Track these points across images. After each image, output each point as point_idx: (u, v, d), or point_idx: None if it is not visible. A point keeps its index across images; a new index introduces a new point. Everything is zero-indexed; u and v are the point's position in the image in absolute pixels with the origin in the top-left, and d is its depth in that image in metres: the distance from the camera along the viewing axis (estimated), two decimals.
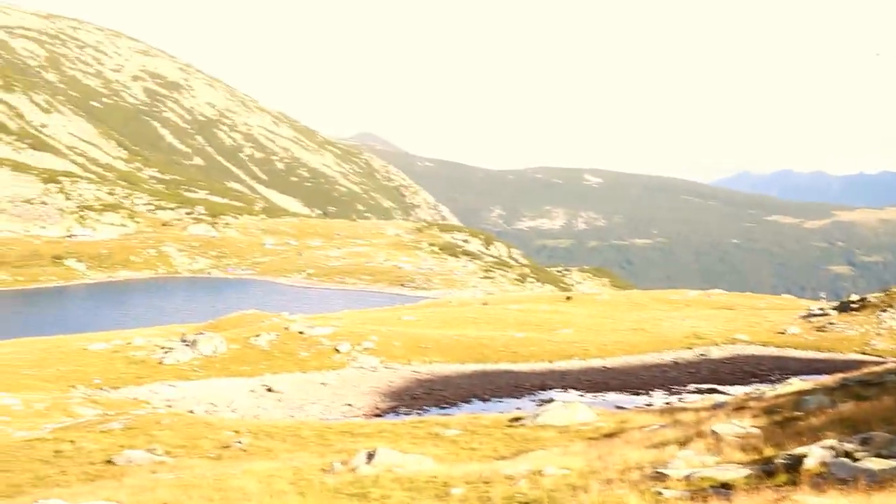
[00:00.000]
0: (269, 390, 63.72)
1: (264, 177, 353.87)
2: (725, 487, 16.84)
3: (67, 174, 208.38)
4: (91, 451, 33.11)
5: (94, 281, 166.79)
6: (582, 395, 61.26)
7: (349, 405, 60.25)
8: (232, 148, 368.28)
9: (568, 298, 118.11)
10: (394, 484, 20.47)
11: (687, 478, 17.87)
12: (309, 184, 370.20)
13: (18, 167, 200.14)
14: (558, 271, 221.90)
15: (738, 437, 22.62)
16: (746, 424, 24.52)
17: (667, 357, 77.68)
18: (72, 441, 34.75)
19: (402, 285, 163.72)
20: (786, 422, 25.82)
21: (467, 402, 61.16)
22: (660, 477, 18.40)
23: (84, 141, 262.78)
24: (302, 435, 37.52)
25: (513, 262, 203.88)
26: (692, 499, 16.51)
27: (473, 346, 75.09)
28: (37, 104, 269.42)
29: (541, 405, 48.26)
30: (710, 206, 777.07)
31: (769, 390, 37.87)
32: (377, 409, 59.70)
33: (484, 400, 61.61)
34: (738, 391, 55.14)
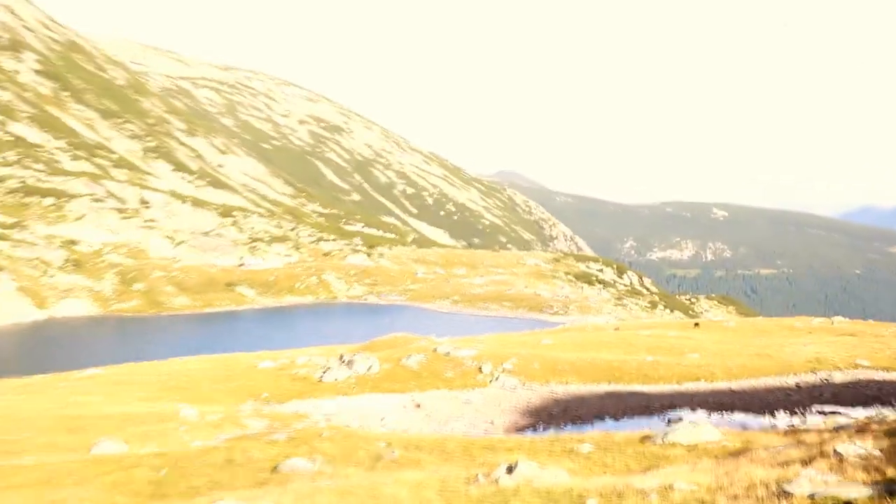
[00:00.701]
0: (418, 406, 63.90)
1: (415, 210, 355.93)
2: None
3: (240, 209, 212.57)
4: (259, 459, 34.02)
5: (262, 306, 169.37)
6: (708, 416, 60.51)
7: (490, 422, 60.09)
8: (386, 185, 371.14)
9: (696, 325, 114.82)
10: (532, 495, 20.86)
11: (811, 496, 17.87)
12: (455, 217, 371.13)
13: (198, 203, 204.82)
14: (687, 299, 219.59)
15: (861, 458, 22.29)
16: (868, 446, 23.92)
17: (790, 381, 74.91)
18: (242, 450, 35.73)
19: (540, 311, 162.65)
20: None
21: (600, 420, 60.52)
22: (784, 494, 18.45)
23: (255, 179, 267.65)
24: (447, 448, 37.68)
25: (644, 291, 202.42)
26: None
27: (606, 368, 74.17)
28: (215, 146, 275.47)
29: (669, 424, 47.82)
30: (834, 238, 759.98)
31: (891, 414, 37.17)
32: (516, 425, 59.48)
33: (616, 419, 60.99)
34: (860, 414, 52.42)
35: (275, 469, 31.85)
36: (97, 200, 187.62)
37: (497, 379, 71.37)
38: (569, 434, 44.63)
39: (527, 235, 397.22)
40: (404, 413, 62.36)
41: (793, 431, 39.18)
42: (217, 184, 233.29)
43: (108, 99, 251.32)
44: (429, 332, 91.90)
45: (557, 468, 24.73)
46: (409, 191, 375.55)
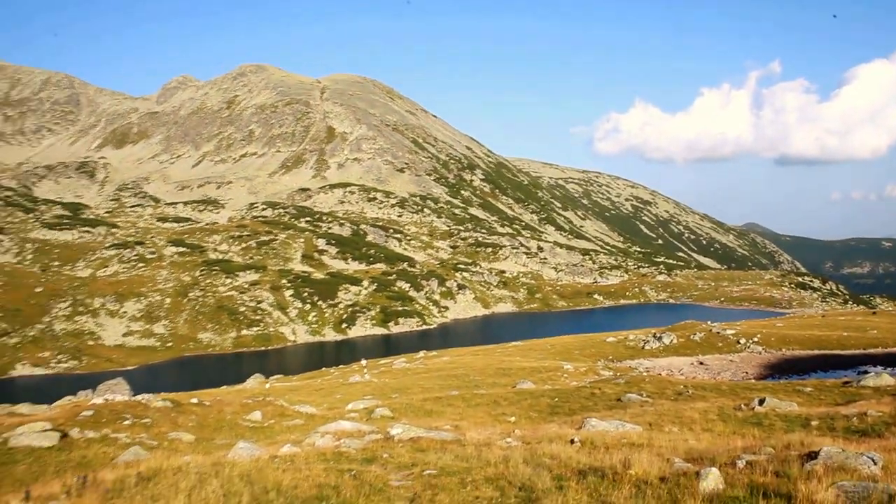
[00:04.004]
0: (700, 363, 61.85)
1: (695, 248, 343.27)
2: None
3: (593, 250, 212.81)
4: (608, 393, 33.39)
5: (607, 306, 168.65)
6: (885, 369, 56.52)
7: (746, 373, 57.81)
8: (677, 233, 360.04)
9: (874, 313, 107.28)
10: (776, 416, 20.45)
11: None
12: (720, 252, 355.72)
13: (569, 248, 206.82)
14: (867, 297, 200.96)
15: None
16: None
17: None
18: (599, 388, 35.15)
19: (774, 306, 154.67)
20: None
21: (814, 372, 56.23)
22: None
23: (601, 233, 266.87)
24: (721, 389, 35.60)
25: (838, 293, 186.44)
26: None
27: (817, 340, 69.55)
28: (577, 215, 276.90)
29: (860, 374, 45.18)
30: None
31: None
32: (761, 375, 56.94)
33: (825, 371, 56.47)
34: None
35: (618, 399, 31.46)
36: (514, 248, 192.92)
37: (748, 347, 68.36)
38: (795, 381, 41.58)
39: (764, 261, 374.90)
40: (692, 368, 60.73)
41: None
42: (579, 236, 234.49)
43: (519, 192, 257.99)
44: (706, 319, 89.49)
45: (790, 401, 23.71)
46: (691, 237, 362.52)
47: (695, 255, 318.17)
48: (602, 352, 68.17)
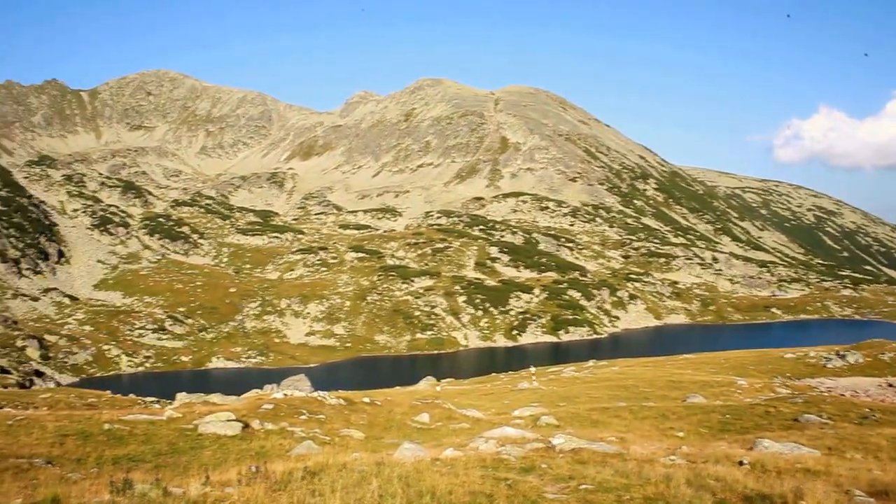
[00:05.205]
0: (890, 385, 53.92)
1: (885, 261, 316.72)
2: None
3: (771, 262, 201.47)
4: (785, 412, 31.20)
5: (784, 320, 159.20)
6: None
7: None
8: (865, 245, 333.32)
9: None
10: None
11: None
12: None
13: (746, 259, 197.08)
14: None
15: None
16: None
17: None
18: (774, 406, 32.56)
19: None
20: None
21: None
22: None
23: (780, 244, 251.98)
24: None
25: None
26: None
27: None
28: (755, 226, 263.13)
29: None
30: None
31: None
32: None
33: None
34: None
35: (795, 419, 29.58)
36: (688, 259, 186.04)
37: None
38: None
39: None
40: (880, 390, 53.97)
41: None
42: (757, 247, 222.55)
43: (694, 201, 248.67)
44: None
45: None
46: (881, 249, 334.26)
47: (885, 270, 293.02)
48: (779, 368, 64.25)
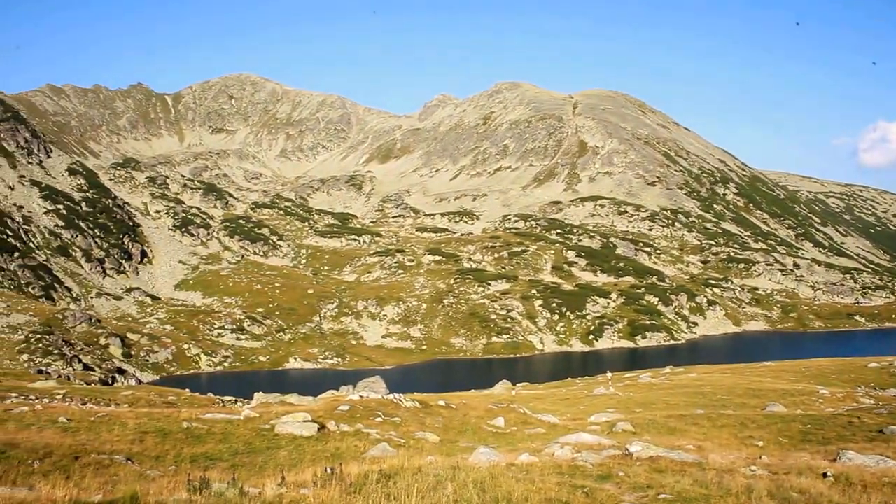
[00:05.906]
0: None
1: None
2: None
3: (855, 269, 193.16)
4: (868, 424, 29.37)
5: (868, 328, 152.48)
6: None
7: None
8: None
9: None
10: None
11: None
12: None
13: (828, 265, 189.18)
14: None
15: None
16: None
17: None
18: (858, 417, 31.03)
19: None
20: None
21: None
22: None
23: (864, 250, 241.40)
24: None
25: None
26: None
27: None
28: (838, 231, 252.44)
29: None
30: None
31: None
32: None
33: None
34: None
35: (880, 431, 27.97)
36: (769, 265, 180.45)
37: None
38: None
39: None
40: None
41: None
42: (840, 254, 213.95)
43: (775, 206, 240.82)
44: None
45: None
46: None
47: None
48: (863, 378, 61.51)
